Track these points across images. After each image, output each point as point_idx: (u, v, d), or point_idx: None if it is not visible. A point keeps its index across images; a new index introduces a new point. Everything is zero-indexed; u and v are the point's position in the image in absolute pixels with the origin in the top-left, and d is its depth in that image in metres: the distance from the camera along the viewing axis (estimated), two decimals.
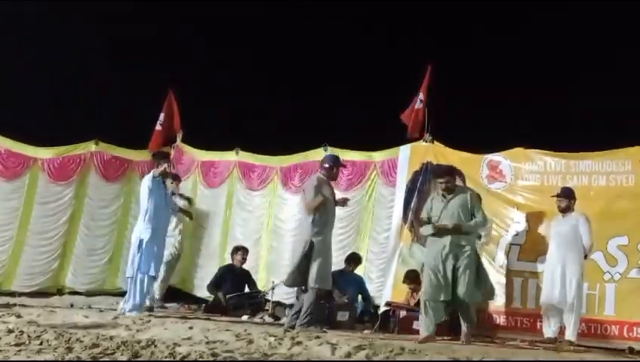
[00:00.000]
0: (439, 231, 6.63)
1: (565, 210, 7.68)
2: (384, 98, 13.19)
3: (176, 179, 9.87)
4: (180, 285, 11.00)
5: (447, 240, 6.62)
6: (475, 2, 14.21)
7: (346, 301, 8.33)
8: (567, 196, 7.70)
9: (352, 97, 14.15)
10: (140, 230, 7.62)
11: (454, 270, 6.55)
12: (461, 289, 6.54)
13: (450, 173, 6.72)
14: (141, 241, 7.55)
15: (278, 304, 9.33)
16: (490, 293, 7.33)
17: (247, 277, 9.67)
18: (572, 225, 7.56)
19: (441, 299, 6.56)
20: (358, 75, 14.63)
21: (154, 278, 7.82)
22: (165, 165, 7.81)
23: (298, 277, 7.25)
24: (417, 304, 8.28)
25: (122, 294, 10.83)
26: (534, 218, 8.42)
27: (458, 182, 8.20)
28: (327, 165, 7.61)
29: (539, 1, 13.87)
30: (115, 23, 14.10)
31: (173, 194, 9.12)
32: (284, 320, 8.25)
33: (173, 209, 8.63)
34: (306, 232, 7.26)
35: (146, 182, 7.73)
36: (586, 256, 7.59)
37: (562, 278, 7.45)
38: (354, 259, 9.28)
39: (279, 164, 10.99)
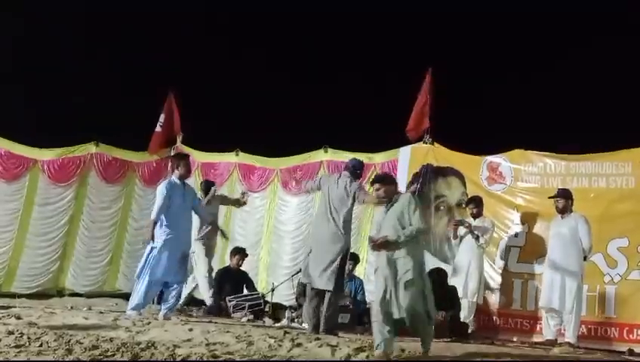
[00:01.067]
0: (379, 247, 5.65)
1: (563, 211, 7.67)
2: (384, 99, 13.22)
3: (209, 186, 9.33)
4: None
5: (383, 253, 5.75)
6: (475, 3, 14.24)
7: (349, 303, 8.32)
8: (564, 196, 7.70)
9: (352, 99, 14.16)
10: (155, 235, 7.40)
11: (395, 285, 5.56)
12: (404, 307, 5.53)
13: (383, 180, 6.00)
14: (153, 247, 7.38)
15: (278, 306, 9.31)
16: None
17: (244, 278, 9.63)
18: (571, 227, 7.55)
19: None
20: (358, 77, 14.66)
21: (169, 284, 7.42)
22: (179, 170, 7.51)
23: (339, 282, 6.95)
24: None
25: (122, 296, 10.91)
26: (534, 219, 8.43)
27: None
28: (358, 171, 7.32)
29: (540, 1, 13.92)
30: (116, 24, 14.13)
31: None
32: (284, 321, 8.24)
33: (202, 216, 8.34)
34: (343, 235, 6.99)
35: (161, 188, 7.44)
36: (585, 258, 7.58)
37: (562, 280, 7.45)
38: (352, 259, 9.20)
39: (279, 165, 10.98)
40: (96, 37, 14.16)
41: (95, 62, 13.97)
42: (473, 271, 8.11)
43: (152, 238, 7.33)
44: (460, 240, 8.29)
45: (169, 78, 12.50)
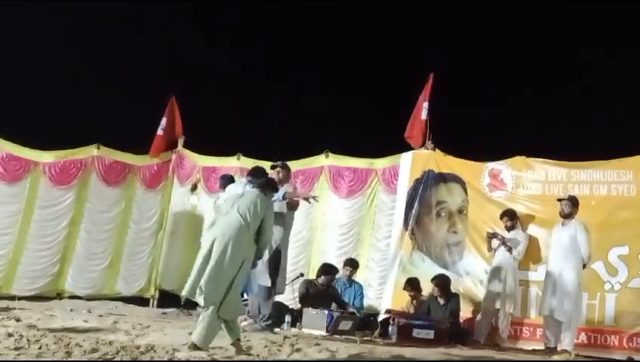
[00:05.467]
0: None
1: (567, 216, 7.70)
2: (386, 105, 13.24)
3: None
4: (180, 291, 10.93)
5: None
6: (477, 10, 14.26)
7: (353, 310, 8.30)
8: (573, 202, 7.74)
9: (354, 104, 14.17)
10: None
11: None
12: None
13: None
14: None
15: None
16: None
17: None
18: (571, 235, 7.57)
19: None
20: (360, 82, 14.67)
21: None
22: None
23: None
24: (417, 311, 8.31)
25: (122, 299, 10.88)
26: (535, 227, 8.41)
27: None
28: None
29: (540, 8, 13.94)
30: (116, 25, 14.15)
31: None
32: (283, 326, 8.21)
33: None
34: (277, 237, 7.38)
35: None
36: (584, 266, 7.59)
37: (561, 287, 7.46)
38: (352, 265, 9.11)
39: None
40: (98, 39, 14.17)
41: (97, 65, 13.99)
42: (510, 282, 8.08)
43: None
44: (494, 253, 8.30)
45: (171, 82, 12.53)
